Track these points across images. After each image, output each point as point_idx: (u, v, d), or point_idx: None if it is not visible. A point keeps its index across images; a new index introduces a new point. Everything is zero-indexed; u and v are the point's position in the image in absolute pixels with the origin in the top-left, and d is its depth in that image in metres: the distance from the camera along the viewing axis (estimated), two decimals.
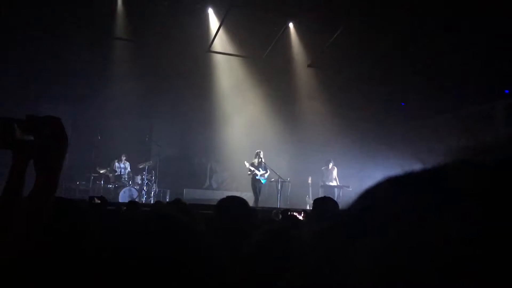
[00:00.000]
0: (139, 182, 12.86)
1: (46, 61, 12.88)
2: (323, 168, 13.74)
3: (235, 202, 3.12)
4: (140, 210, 5.19)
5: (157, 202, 6.15)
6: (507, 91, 14.98)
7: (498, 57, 12.88)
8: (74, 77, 13.22)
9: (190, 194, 14.35)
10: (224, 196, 3.39)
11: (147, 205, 9.96)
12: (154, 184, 13.28)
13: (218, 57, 15.19)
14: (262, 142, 13.99)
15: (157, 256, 0.85)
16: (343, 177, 13.81)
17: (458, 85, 14.47)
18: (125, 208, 5.54)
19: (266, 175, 12.71)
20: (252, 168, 12.61)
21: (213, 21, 14.11)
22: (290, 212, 4.64)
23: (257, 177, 12.56)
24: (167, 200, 13.36)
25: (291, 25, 14.57)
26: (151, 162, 13.29)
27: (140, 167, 13.06)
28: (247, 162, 12.86)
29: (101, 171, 12.55)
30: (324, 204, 3.71)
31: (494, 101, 15.11)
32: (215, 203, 3.39)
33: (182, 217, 0.96)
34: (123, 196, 12.04)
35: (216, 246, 0.93)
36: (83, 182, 12.52)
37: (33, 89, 12.71)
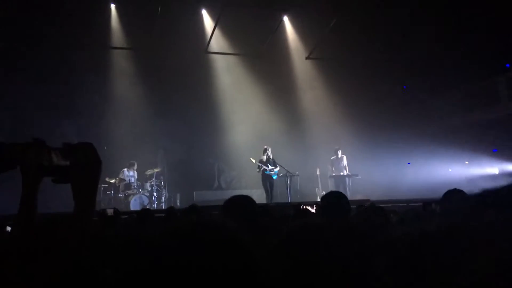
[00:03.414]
0: (149, 188, 12.89)
1: (46, 77, 12.92)
2: (332, 158, 13.70)
3: (241, 202, 3.09)
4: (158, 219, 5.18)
5: (170, 208, 6.17)
6: (508, 65, 14.90)
7: (498, 31, 12.81)
8: (75, 91, 13.28)
9: (200, 196, 14.37)
10: (234, 195, 3.37)
11: (159, 211, 9.98)
12: (164, 189, 13.31)
13: (217, 57, 15.19)
14: (267, 138, 13.97)
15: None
16: (351, 166, 13.78)
17: (459, 62, 14.40)
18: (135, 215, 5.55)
19: (275, 170, 12.65)
20: (260, 164, 12.57)
21: (208, 22, 14.10)
22: (303, 206, 4.64)
23: (266, 172, 12.50)
24: (178, 204, 13.40)
25: (285, 18, 14.53)
26: (158, 167, 13.32)
27: (148, 173, 13.09)
28: (253, 158, 12.81)
29: (110, 181, 12.59)
30: (331, 199, 3.62)
31: (496, 76, 15.04)
32: None
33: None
34: (134, 204, 12.08)
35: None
36: None
37: (36, 106, 12.74)
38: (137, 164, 13.18)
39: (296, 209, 4.64)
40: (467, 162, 15.46)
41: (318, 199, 12.87)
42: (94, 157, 1.40)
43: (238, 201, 3.09)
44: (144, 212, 4.57)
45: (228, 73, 15.22)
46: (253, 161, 12.72)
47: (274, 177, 12.63)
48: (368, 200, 9.13)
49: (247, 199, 3.13)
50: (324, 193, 13.72)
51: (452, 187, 4.15)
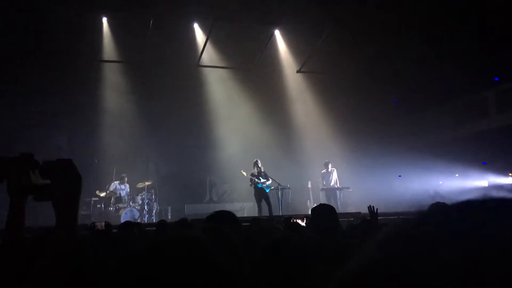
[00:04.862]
0: (140, 202, 12.83)
1: (37, 90, 12.90)
2: (322, 171, 13.76)
3: (222, 218, 3.09)
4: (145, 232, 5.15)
5: (161, 221, 6.15)
6: (497, 79, 15.09)
7: (485, 45, 12.98)
8: (66, 104, 13.24)
9: (192, 209, 14.31)
10: (226, 208, 3.38)
11: (150, 224, 9.94)
12: (155, 203, 13.24)
13: (208, 71, 15.23)
14: (258, 151, 13.99)
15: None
16: (342, 179, 13.82)
17: (449, 77, 14.56)
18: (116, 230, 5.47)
19: (267, 183, 12.61)
20: (252, 177, 12.52)
21: (200, 36, 14.16)
22: (293, 219, 4.65)
23: (259, 186, 12.45)
24: (169, 217, 13.34)
25: (277, 32, 14.64)
26: (150, 181, 13.27)
27: (139, 186, 13.04)
28: (244, 171, 12.76)
29: (101, 195, 12.52)
30: (321, 210, 3.75)
31: (485, 90, 15.22)
32: None
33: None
34: (125, 217, 11.99)
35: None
36: (84, 208, 12.47)
37: (23, 120, 12.69)
38: (128, 177, 13.14)
39: (286, 222, 4.65)
40: (457, 175, 15.57)
41: (310, 212, 12.85)
42: (74, 174, 1.40)
43: (219, 217, 3.09)
44: (128, 225, 4.56)
45: (220, 86, 15.27)
46: (244, 174, 12.69)
47: (267, 190, 12.58)
48: (359, 213, 9.14)
49: (228, 215, 3.13)
50: (315, 206, 13.74)
51: (442, 200, 4.19)
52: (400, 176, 15.47)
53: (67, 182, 1.38)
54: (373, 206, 4.71)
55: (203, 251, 0.94)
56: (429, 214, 0.50)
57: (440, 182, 15.58)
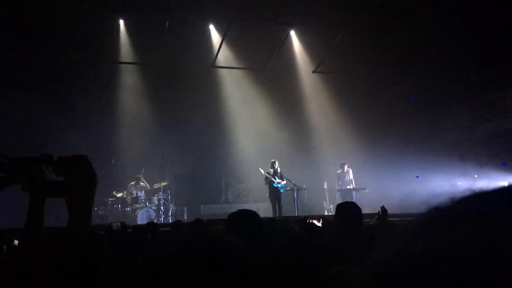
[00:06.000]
0: (156, 202, 12.92)
1: (55, 91, 13.08)
2: (338, 171, 13.70)
3: (246, 217, 3.09)
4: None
5: (177, 222, 6.17)
6: None
7: (504, 44, 12.80)
8: (82, 105, 13.38)
9: (207, 210, 14.36)
10: (239, 208, 3.37)
11: (166, 225, 10.00)
12: (171, 203, 13.32)
13: (224, 72, 15.26)
14: (274, 151, 13.98)
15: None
16: (359, 180, 13.73)
17: (467, 76, 14.38)
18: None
19: (282, 183, 12.62)
20: (268, 176, 12.55)
21: (215, 37, 14.20)
22: (309, 220, 4.64)
23: (274, 185, 12.46)
24: (185, 217, 13.41)
25: (292, 32, 14.61)
26: (166, 181, 13.35)
27: (156, 187, 13.13)
28: (262, 169, 12.81)
29: (118, 195, 12.63)
30: (347, 208, 3.82)
31: (504, 89, 14.98)
32: None
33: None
34: (141, 218, 12.10)
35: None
36: (101, 207, 12.61)
37: (41, 121, 12.86)
38: (145, 178, 13.24)
39: (302, 223, 4.64)
40: (476, 176, 15.33)
41: (326, 213, 12.82)
42: (89, 170, 1.36)
43: (242, 215, 3.09)
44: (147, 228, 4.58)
45: (235, 87, 15.28)
46: (262, 171, 12.73)
47: (281, 191, 12.59)
48: (377, 214, 9.04)
49: (251, 214, 3.13)
50: (331, 206, 13.70)
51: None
52: (418, 177, 15.29)
53: (81, 179, 1.35)
54: (382, 206, 4.80)
55: (234, 249, 0.92)
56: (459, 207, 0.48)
57: (459, 183, 15.35)
